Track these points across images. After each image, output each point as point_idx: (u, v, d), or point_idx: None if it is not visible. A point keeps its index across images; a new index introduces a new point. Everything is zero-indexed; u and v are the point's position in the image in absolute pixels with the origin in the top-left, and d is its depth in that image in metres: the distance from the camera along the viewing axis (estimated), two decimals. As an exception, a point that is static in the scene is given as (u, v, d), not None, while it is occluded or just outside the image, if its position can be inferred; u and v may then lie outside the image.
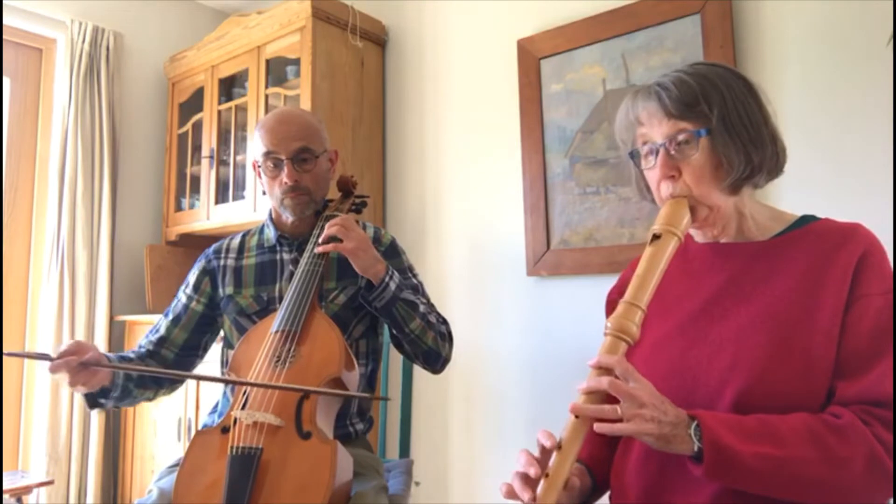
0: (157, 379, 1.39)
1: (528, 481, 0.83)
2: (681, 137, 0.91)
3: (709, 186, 0.92)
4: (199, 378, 1.33)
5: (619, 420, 0.80)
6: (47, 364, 1.14)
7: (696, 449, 0.79)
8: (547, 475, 0.80)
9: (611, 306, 1.13)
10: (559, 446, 0.82)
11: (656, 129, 0.93)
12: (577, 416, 0.82)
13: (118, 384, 1.30)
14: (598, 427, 0.81)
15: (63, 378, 1.17)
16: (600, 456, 1.03)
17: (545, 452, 0.85)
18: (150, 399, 1.41)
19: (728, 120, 0.90)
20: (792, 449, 0.78)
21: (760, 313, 0.88)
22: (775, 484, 0.78)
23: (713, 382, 0.88)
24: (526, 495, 0.82)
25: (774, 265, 0.92)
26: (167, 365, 1.43)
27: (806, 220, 0.96)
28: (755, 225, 0.97)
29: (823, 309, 0.85)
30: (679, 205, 0.92)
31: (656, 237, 0.91)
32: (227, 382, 1.27)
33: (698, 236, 1.02)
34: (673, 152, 0.92)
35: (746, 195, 0.96)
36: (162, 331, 1.45)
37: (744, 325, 0.89)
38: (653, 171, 0.95)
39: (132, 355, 1.40)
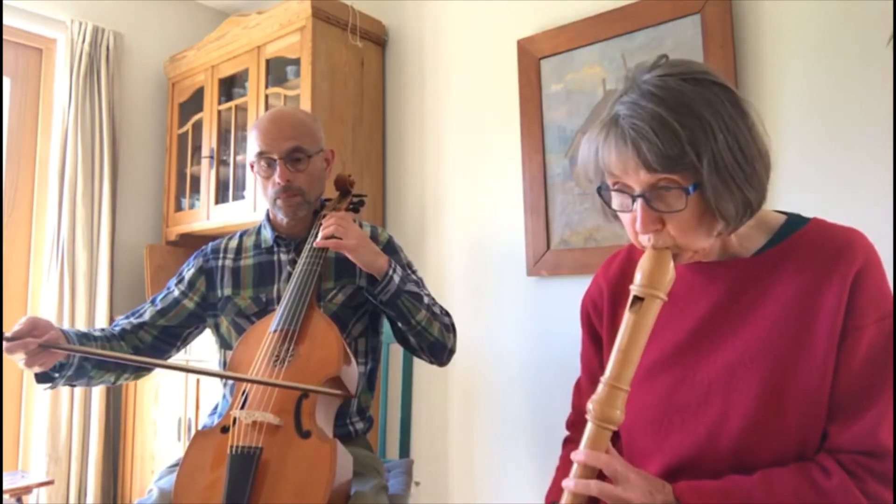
0: (122, 363, 1.34)
1: None
2: (661, 185, 0.77)
3: (695, 235, 0.80)
4: (163, 367, 1.30)
5: None
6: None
7: None
8: None
9: (584, 315, 1.07)
10: None
11: (633, 178, 0.79)
12: None
13: (73, 363, 1.25)
14: None
15: (19, 359, 1.12)
16: None
17: None
18: (110, 382, 1.36)
19: (721, 165, 0.75)
20: None
21: (750, 349, 0.82)
22: None
23: (702, 432, 0.84)
24: None
25: (761, 288, 0.84)
26: (141, 349, 1.39)
27: (793, 226, 0.87)
28: (737, 240, 0.88)
29: (817, 343, 0.79)
30: (662, 258, 0.80)
31: (638, 299, 0.80)
32: (189, 371, 1.24)
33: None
34: (655, 203, 0.78)
35: None
36: (146, 317, 1.42)
37: (732, 364, 0.83)
38: (628, 215, 0.83)
39: (98, 333, 1.34)
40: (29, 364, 1.13)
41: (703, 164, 0.75)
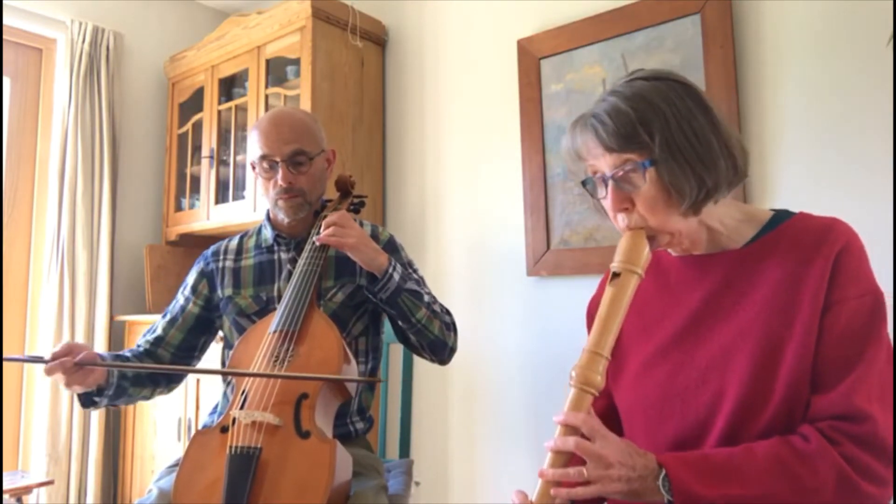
0: (154, 377, 1.40)
1: None
2: (627, 167, 0.86)
3: (664, 215, 0.87)
4: (191, 371, 1.34)
5: (587, 483, 0.79)
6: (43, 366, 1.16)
7: (666, 501, 0.79)
8: None
9: (590, 318, 1.10)
10: None
11: (601, 161, 0.89)
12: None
13: (112, 382, 1.31)
14: (555, 491, 0.80)
15: (59, 379, 1.18)
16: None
17: None
18: (147, 398, 1.41)
19: (673, 145, 0.84)
20: (761, 485, 0.78)
21: (742, 331, 0.87)
22: None
23: (702, 411, 0.88)
24: None
25: (752, 276, 0.89)
26: (163, 364, 1.44)
27: (779, 219, 0.92)
28: (726, 232, 0.93)
29: (802, 318, 0.83)
30: (637, 237, 0.88)
31: (616, 275, 0.88)
32: (222, 374, 1.27)
33: (670, 250, 0.98)
34: (622, 184, 0.88)
35: (711, 206, 0.91)
36: (158, 331, 1.46)
37: (727, 347, 0.87)
38: (606, 202, 0.91)
39: (128, 354, 1.40)
40: (68, 384, 1.20)
41: (655, 143, 0.84)
